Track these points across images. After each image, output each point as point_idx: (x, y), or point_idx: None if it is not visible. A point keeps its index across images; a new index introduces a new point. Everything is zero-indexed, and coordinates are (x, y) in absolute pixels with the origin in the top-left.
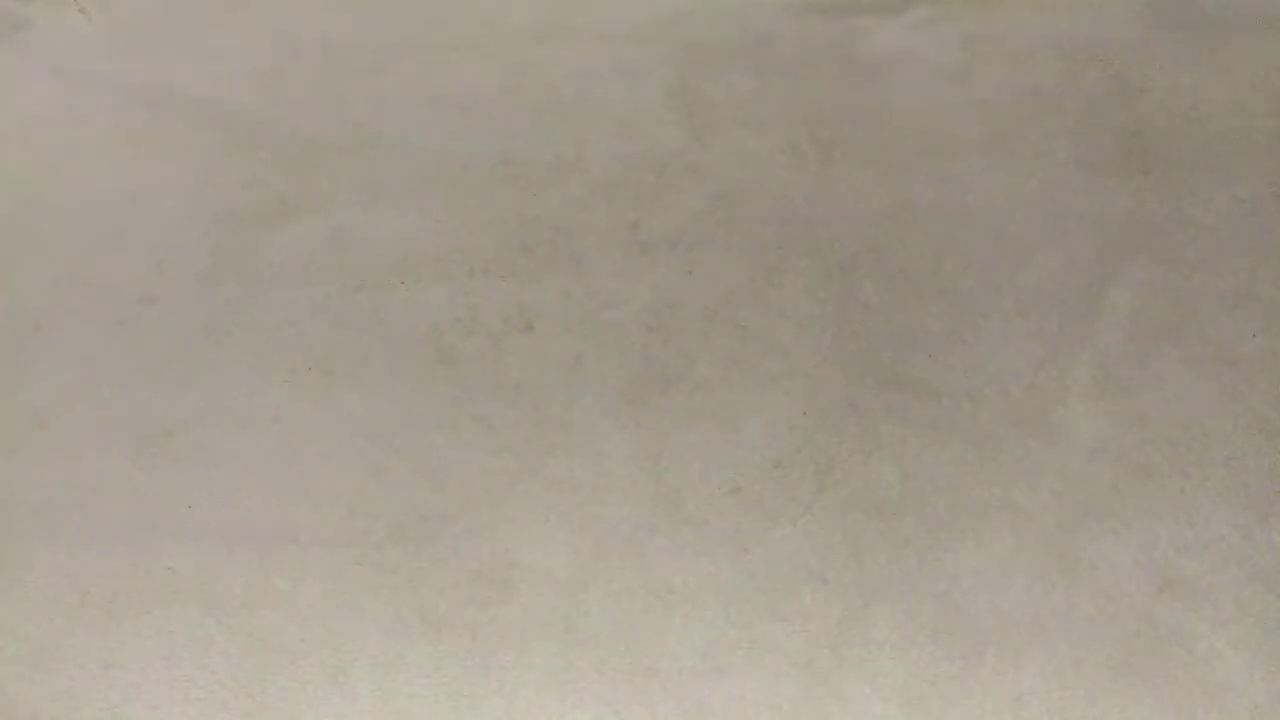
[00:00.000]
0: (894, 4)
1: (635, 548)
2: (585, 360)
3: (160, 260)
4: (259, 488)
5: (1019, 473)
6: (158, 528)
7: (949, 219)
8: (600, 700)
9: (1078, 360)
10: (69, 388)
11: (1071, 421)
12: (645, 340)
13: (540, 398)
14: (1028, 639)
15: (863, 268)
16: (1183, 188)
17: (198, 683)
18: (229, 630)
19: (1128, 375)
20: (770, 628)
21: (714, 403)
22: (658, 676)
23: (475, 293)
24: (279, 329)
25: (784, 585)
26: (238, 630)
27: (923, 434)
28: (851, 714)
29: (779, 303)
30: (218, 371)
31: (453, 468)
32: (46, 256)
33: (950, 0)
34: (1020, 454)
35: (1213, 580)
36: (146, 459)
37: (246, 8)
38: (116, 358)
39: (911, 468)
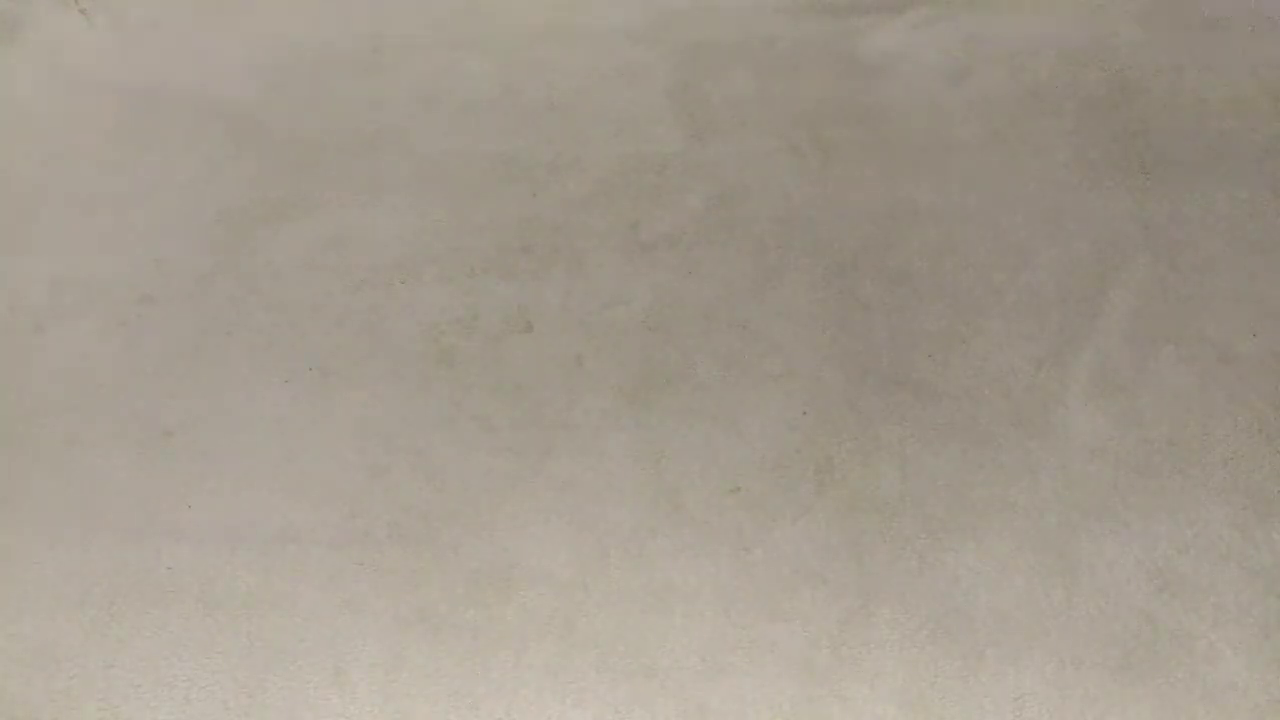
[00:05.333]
0: (894, 4)
1: (635, 548)
2: (585, 360)
3: (160, 260)
4: (259, 488)
5: (1019, 473)
6: (158, 528)
7: (949, 219)
8: (600, 700)
9: (1078, 360)
10: (69, 388)
11: (1071, 421)
12: (645, 340)
13: (540, 398)
14: (1028, 639)
15: (863, 268)
16: (1183, 188)
17: (198, 683)
18: (229, 630)
19: (1128, 375)
20: (770, 628)
21: (714, 403)
22: (658, 676)
23: (475, 293)
24: (279, 329)
25: (784, 585)
26: (238, 630)
27: (923, 434)
28: (851, 714)
29: (779, 303)
30: (218, 371)
31: (453, 468)
32: (46, 256)
33: (950, 0)
34: (1020, 454)
35: (1213, 580)
36: (146, 459)
37: (246, 8)
38: (116, 358)
39: (911, 468)
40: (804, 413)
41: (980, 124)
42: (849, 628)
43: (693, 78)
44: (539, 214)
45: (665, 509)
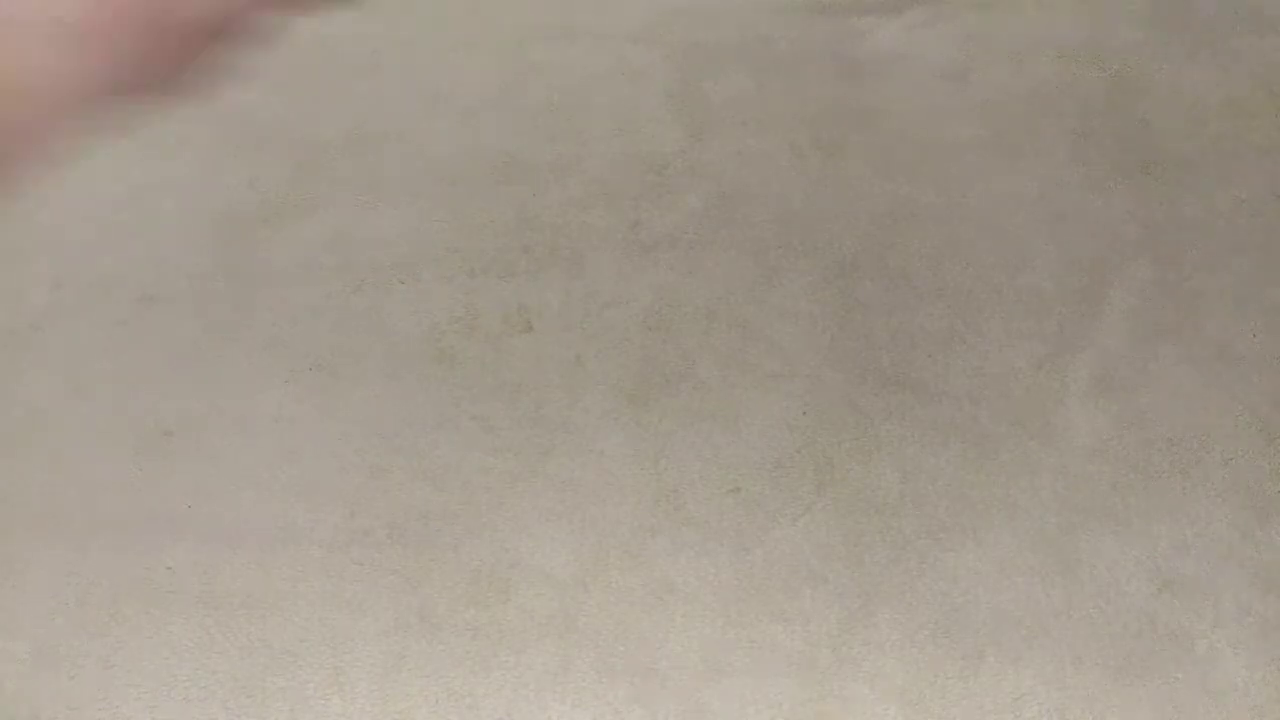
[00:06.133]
0: (894, 4)
1: (635, 548)
2: (585, 360)
3: (160, 260)
4: (259, 488)
5: (1019, 473)
6: (158, 528)
7: (949, 219)
8: (600, 700)
9: (1078, 360)
10: (69, 388)
11: (1071, 421)
12: (645, 340)
13: (540, 398)
14: (1028, 639)
15: (863, 268)
16: (1183, 188)
17: (198, 683)
18: (229, 630)
19: (1128, 375)
20: (770, 628)
21: (714, 403)
22: (658, 676)
23: (475, 293)
24: (279, 329)
25: (784, 585)
26: (238, 630)
27: (923, 434)
28: (851, 714)
29: (779, 303)
30: (218, 371)
31: (453, 468)
32: (46, 256)
33: (950, 0)
34: (1020, 454)
35: (1213, 580)
36: (146, 459)
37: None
38: (116, 358)
39: (911, 468)
40: (804, 413)
41: (980, 124)
42: (849, 628)
43: (693, 78)
44: (539, 214)
45: (665, 509)
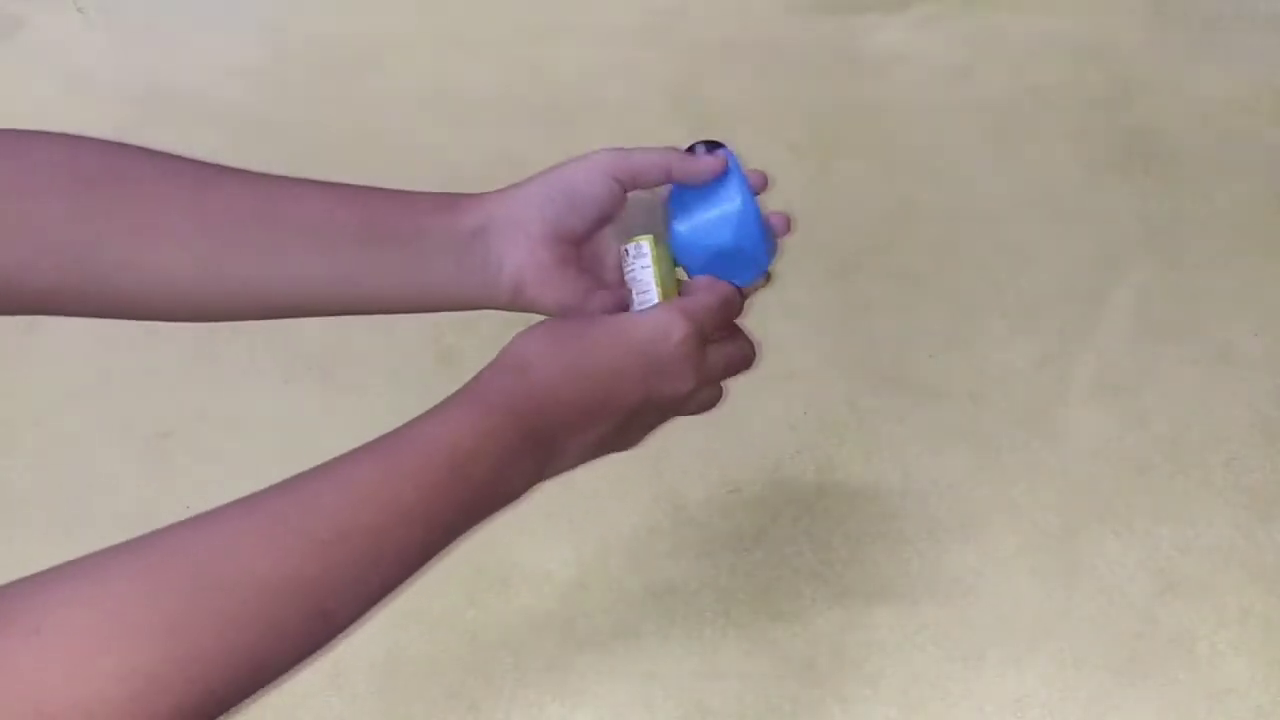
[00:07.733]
0: (895, 3)
1: (635, 548)
2: None
3: None
4: (259, 488)
5: (1019, 473)
6: (157, 528)
7: (949, 219)
8: (600, 700)
9: (1078, 360)
10: (67, 388)
11: (1072, 421)
12: None
13: None
14: (1028, 639)
15: (863, 268)
16: (1183, 188)
17: None
18: None
19: (1130, 375)
20: (770, 628)
21: None
22: (658, 676)
23: None
24: (278, 329)
25: (784, 585)
26: None
27: (923, 434)
28: (852, 715)
29: (779, 303)
30: (217, 372)
31: None
32: None
33: (952, 0)
34: (1022, 454)
35: (1214, 581)
36: (146, 459)
37: (246, 7)
38: (116, 358)
39: (912, 468)
40: (804, 413)
41: (981, 123)
42: (849, 628)
43: (693, 78)
44: None
45: (665, 509)
